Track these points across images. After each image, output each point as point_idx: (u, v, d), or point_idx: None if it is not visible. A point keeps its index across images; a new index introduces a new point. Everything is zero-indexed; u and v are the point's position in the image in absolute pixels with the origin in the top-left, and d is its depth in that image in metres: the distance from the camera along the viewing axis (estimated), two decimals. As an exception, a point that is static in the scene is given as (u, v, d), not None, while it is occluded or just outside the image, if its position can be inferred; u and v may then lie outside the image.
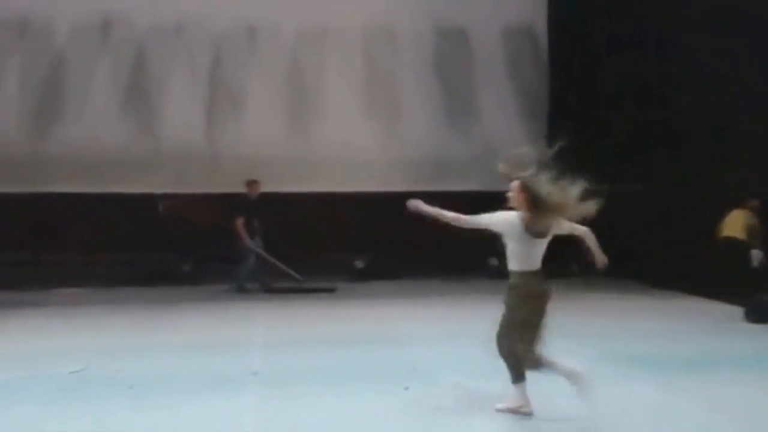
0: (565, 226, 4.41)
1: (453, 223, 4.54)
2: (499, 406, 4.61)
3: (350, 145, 10.76)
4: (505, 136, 10.92)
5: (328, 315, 8.17)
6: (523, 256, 4.38)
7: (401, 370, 5.73)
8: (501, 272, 4.88)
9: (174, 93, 10.75)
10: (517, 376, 4.48)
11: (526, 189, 4.21)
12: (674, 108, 9.41)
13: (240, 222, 9.48)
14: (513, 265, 4.44)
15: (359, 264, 10.62)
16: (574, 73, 11.18)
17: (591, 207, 4.24)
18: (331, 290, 9.65)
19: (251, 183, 9.68)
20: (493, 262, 9.36)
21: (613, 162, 9.49)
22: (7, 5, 10.46)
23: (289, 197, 10.46)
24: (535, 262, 4.41)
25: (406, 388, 5.18)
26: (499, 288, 4.72)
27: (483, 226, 4.48)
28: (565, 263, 10.28)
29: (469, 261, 10.61)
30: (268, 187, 10.02)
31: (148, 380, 5.51)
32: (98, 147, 10.48)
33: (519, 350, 4.36)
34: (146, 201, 10.48)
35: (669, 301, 8.91)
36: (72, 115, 10.63)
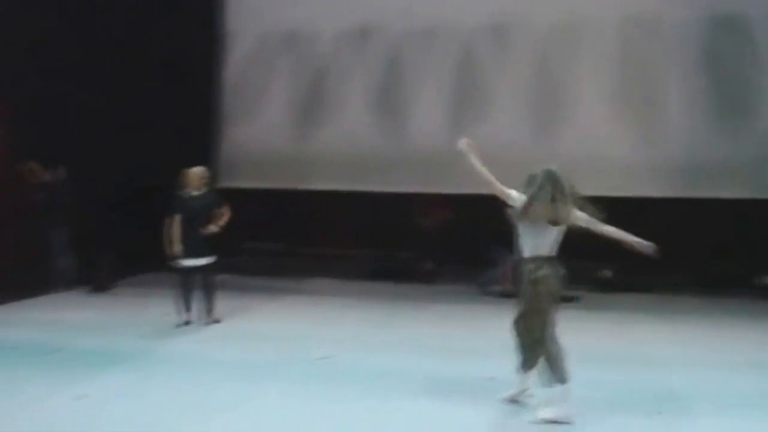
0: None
1: (483, 184, 4.91)
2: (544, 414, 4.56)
3: (603, 146, 10.07)
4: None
5: (570, 327, 7.70)
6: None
7: (653, 394, 5.26)
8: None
9: (423, 95, 10.98)
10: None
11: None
12: None
13: None
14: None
15: (606, 274, 9.91)
16: None
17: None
18: (571, 299, 9.11)
19: None
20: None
21: None
22: (278, 20, 11.53)
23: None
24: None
25: (659, 413, 4.79)
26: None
27: (507, 201, 4.84)
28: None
29: (732, 278, 9.41)
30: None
31: (388, 375, 5.64)
32: (352, 148, 11.06)
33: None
34: (393, 199, 10.84)
35: None
36: (331, 118, 11.37)
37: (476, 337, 7.08)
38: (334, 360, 6.06)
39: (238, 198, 8.22)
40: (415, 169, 10.78)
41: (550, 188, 4.74)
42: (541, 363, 4.70)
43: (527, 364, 4.81)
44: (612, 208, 9.79)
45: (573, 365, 5.91)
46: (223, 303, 7.67)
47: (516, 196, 4.82)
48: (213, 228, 7.22)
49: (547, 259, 4.73)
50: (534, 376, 4.82)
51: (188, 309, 7.34)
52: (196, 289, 7.36)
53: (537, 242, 4.74)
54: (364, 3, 11.27)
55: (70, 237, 9.02)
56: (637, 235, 4.85)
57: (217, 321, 7.39)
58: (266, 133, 11.49)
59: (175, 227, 7.19)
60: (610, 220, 9.79)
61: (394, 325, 7.69)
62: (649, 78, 10.22)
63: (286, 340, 6.75)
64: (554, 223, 4.71)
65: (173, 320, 7.32)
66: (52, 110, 9.47)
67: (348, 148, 11.08)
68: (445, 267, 10.59)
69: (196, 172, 7.32)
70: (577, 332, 7.30)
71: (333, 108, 11.38)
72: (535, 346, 4.71)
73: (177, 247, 7.16)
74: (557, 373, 4.61)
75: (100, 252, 9.22)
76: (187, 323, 7.28)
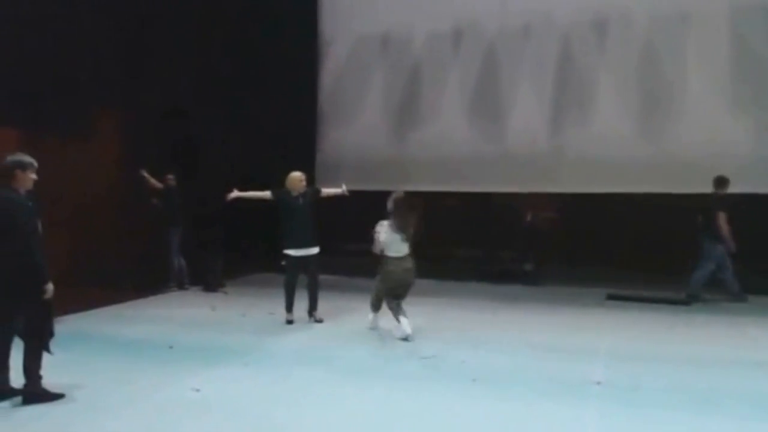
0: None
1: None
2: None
3: (715, 142, 9.53)
4: None
5: (682, 330, 7.38)
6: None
7: (762, 401, 5.00)
8: None
9: (520, 92, 10.79)
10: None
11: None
12: None
13: (724, 218, 8.44)
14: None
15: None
16: None
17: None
18: (686, 303, 8.68)
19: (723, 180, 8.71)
20: None
21: None
22: (372, 23, 11.65)
23: (639, 199, 9.73)
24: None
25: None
26: None
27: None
28: None
29: None
30: (616, 187, 9.45)
31: (491, 376, 5.60)
32: (450, 149, 11.00)
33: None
34: (493, 200, 10.72)
35: None
36: (427, 118, 11.35)
37: (581, 339, 6.89)
38: (439, 359, 6.06)
39: (337, 199, 8.35)
40: (514, 169, 10.61)
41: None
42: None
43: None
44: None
45: (675, 368, 5.78)
46: (326, 303, 7.83)
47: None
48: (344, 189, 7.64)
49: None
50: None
51: (290, 309, 7.53)
52: (300, 289, 7.56)
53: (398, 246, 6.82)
54: (457, 2, 11.20)
55: (183, 239, 9.47)
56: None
57: (319, 321, 7.55)
58: (364, 135, 11.63)
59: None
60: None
61: (497, 325, 7.60)
62: (762, 68, 9.60)
63: (389, 340, 6.82)
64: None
65: (279, 318, 7.57)
66: (163, 118, 10.00)
67: (446, 148, 11.04)
68: (547, 267, 10.36)
69: (296, 175, 7.56)
70: (687, 335, 7.06)
71: (430, 108, 11.36)
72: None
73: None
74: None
75: (210, 253, 9.62)
76: (290, 323, 7.47)
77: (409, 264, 6.86)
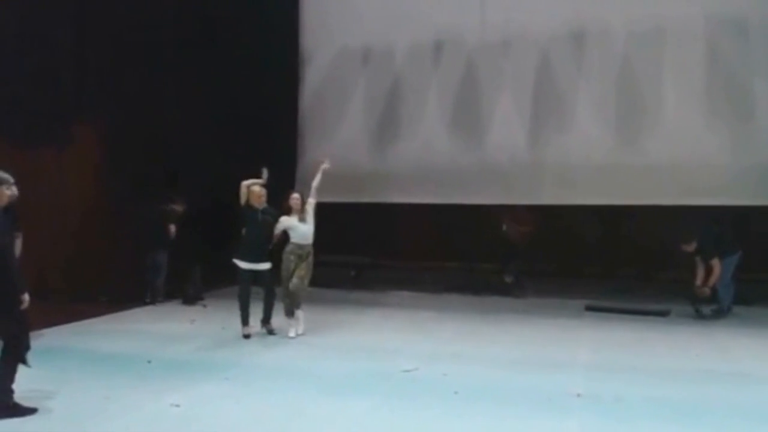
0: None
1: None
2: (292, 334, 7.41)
3: (690, 153, 9.66)
4: None
5: (660, 341, 7.43)
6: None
7: (742, 412, 5.03)
8: None
9: (500, 105, 10.85)
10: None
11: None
12: None
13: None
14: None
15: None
16: None
17: None
18: (663, 314, 8.75)
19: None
20: None
21: None
22: (354, 36, 11.66)
23: (618, 210, 9.81)
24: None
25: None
26: None
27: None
28: None
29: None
30: (595, 199, 9.55)
31: (473, 389, 5.58)
32: (430, 160, 11.03)
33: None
34: (474, 211, 10.75)
35: None
36: (407, 131, 11.38)
37: (560, 352, 6.91)
38: (420, 373, 6.04)
39: (318, 212, 8.31)
40: (494, 181, 10.66)
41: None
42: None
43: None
44: (702, 216, 9.44)
45: (656, 379, 5.80)
46: (309, 316, 7.76)
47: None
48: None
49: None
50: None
51: (246, 323, 7.46)
52: (257, 301, 7.53)
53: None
54: (437, 16, 11.25)
55: (165, 252, 9.35)
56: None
57: (271, 332, 7.52)
58: (344, 148, 11.57)
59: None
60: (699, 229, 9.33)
61: (478, 338, 7.60)
62: (736, 80, 9.76)
63: (371, 353, 6.79)
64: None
65: (260, 331, 7.54)
66: (145, 133, 9.91)
67: (426, 160, 11.06)
68: (528, 279, 10.40)
69: (255, 190, 7.53)
70: (666, 347, 7.11)
71: (410, 121, 11.38)
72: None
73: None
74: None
75: (188, 265, 9.51)
76: (246, 336, 7.39)
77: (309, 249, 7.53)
